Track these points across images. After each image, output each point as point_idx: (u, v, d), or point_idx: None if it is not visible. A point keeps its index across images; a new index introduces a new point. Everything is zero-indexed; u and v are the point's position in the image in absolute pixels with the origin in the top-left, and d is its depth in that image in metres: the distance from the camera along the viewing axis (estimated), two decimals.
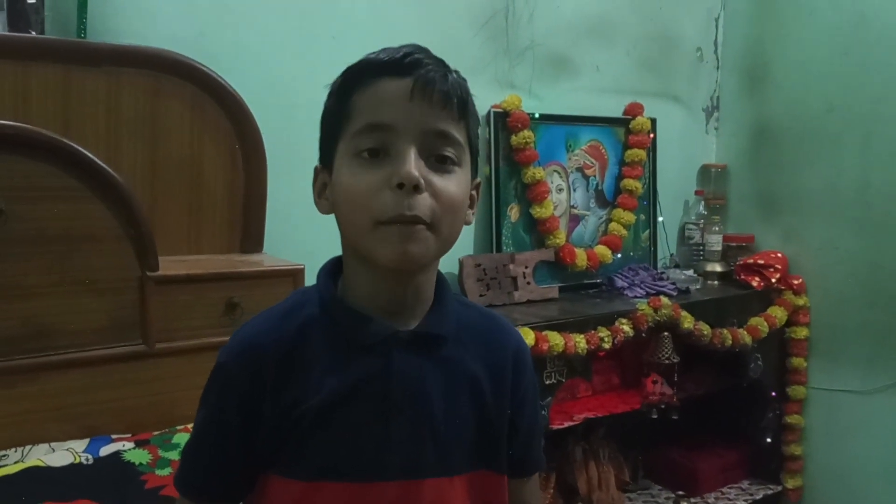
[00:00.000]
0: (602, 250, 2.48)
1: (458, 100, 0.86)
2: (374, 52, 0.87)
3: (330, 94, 0.90)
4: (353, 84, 0.86)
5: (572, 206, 2.49)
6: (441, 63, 0.87)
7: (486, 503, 0.94)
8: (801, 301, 2.59)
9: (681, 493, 2.47)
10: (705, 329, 2.27)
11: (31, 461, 1.36)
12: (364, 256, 0.86)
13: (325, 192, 0.91)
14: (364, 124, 0.84)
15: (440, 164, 0.85)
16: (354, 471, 0.87)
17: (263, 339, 0.89)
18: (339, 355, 0.88)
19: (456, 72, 0.88)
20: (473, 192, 0.93)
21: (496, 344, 0.96)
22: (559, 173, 2.45)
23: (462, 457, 0.91)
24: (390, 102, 0.83)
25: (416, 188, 0.81)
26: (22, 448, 1.40)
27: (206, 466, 0.91)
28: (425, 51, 0.87)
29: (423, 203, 0.82)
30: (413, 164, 0.82)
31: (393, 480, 0.87)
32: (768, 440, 2.65)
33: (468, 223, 0.92)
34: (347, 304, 0.90)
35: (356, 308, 0.89)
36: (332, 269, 0.94)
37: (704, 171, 2.90)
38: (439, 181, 0.84)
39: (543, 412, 1.98)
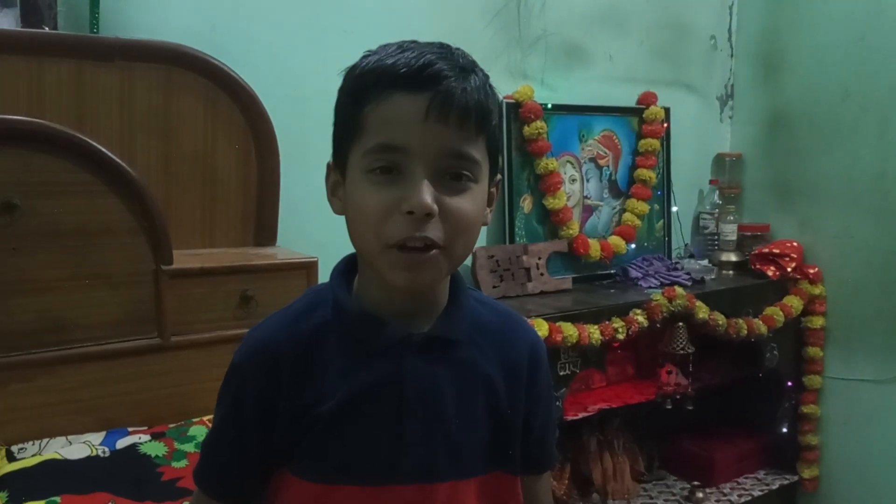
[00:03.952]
0: (616, 241, 2.47)
1: (476, 116, 0.82)
2: (392, 52, 0.83)
3: (343, 90, 0.87)
4: (366, 93, 0.82)
5: (586, 197, 2.48)
6: (462, 69, 0.82)
7: (504, 502, 0.94)
8: (816, 290, 2.57)
9: (696, 483, 2.47)
10: (720, 319, 2.26)
11: (48, 454, 1.37)
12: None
13: (338, 192, 0.89)
14: (376, 144, 0.81)
15: (455, 181, 0.82)
16: (369, 474, 0.87)
17: (277, 338, 0.89)
18: (352, 358, 0.87)
19: (477, 72, 0.84)
20: (493, 190, 0.91)
21: (511, 343, 0.95)
22: (572, 164, 2.44)
23: (476, 459, 0.91)
24: (404, 123, 0.80)
25: (428, 216, 0.80)
26: (39, 441, 1.41)
27: (224, 463, 0.92)
28: (446, 55, 0.83)
29: (435, 227, 0.80)
30: (424, 193, 0.79)
31: (407, 484, 0.87)
32: (784, 430, 2.64)
33: (485, 224, 0.90)
34: (361, 306, 0.89)
35: (370, 311, 0.88)
36: (346, 269, 0.93)
37: (719, 160, 2.87)
38: (452, 202, 0.81)
39: (558, 403, 1.98)
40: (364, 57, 0.86)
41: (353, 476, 0.87)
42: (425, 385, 0.88)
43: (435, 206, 0.80)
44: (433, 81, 0.80)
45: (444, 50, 0.84)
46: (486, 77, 0.86)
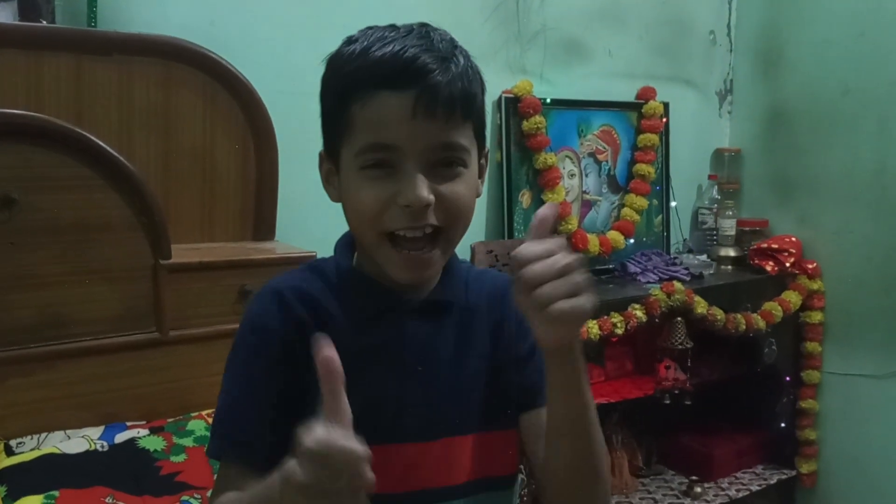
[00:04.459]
0: (614, 236, 2.47)
1: (462, 104, 0.84)
2: (374, 45, 0.83)
3: (328, 84, 0.88)
4: (352, 91, 0.83)
5: (584, 192, 2.48)
6: (443, 59, 0.83)
7: (496, 459, 0.96)
8: (815, 285, 2.57)
9: (694, 478, 2.47)
10: (719, 314, 2.26)
11: (46, 448, 1.38)
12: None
13: (332, 180, 0.91)
14: (367, 143, 0.83)
15: (447, 168, 0.85)
16: (370, 434, 0.86)
17: (290, 291, 0.90)
18: (352, 322, 0.89)
19: (458, 56, 0.85)
20: (483, 161, 0.93)
21: (502, 299, 0.97)
22: (571, 159, 2.44)
23: (474, 417, 0.93)
24: (392, 122, 0.81)
25: (426, 207, 0.82)
26: (38, 435, 1.41)
27: (253, 422, 0.88)
28: (427, 45, 0.83)
29: (433, 215, 0.84)
30: (420, 186, 0.82)
31: (407, 443, 0.89)
32: (783, 425, 2.64)
33: (478, 195, 0.91)
34: (362, 274, 0.92)
35: (371, 277, 0.91)
36: (349, 241, 0.96)
37: (718, 155, 2.88)
38: (446, 189, 0.84)
39: None
40: (346, 44, 0.87)
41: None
42: (424, 347, 0.91)
43: (431, 197, 0.82)
44: (418, 78, 0.81)
45: (424, 40, 0.84)
46: (467, 56, 0.88)
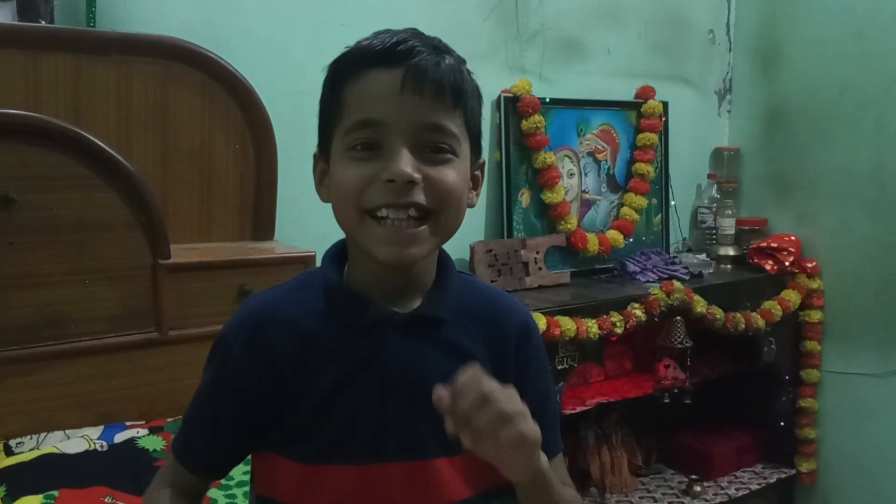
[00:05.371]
0: (614, 235, 2.48)
1: (451, 89, 0.83)
2: (367, 38, 0.85)
3: (325, 80, 0.89)
4: (343, 74, 0.85)
5: (584, 191, 2.48)
6: (435, 48, 0.84)
7: (489, 482, 0.93)
8: (814, 284, 2.58)
9: (694, 477, 2.47)
10: (718, 313, 2.26)
11: (46, 448, 1.38)
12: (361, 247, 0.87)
13: (325, 181, 0.90)
14: (355, 121, 0.83)
15: (436, 153, 0.84)
16: (355, 453, 0.87)
17: (266, 312, 0.89)
18: (338, 339, 0.88)
19: (451, 54, 0.86)
20: (477, 173, 0.92)
21: (500, 326, 0.95)
22: (570, 158, 2.44)
23: None
24: (380, 97, 0.82)
25: (410, 183, 0.81)
26: (37, 435, 1.41)
27: (196, 436, 0.93)
28: (419, 36, 0.85)
29: (420, 194, 0.82)
30: (404, 162, 0.81)
31: (394, 462, 0.87)
32: (782, 424, 2.64)
33: (472, 206, 0.91)
34: (349, 287, 0.90)
35: (357, 291, 0.89)
36: (338, 253, 0.94)
37: (717, 154, 2.88)
38: (435, 171, 0.83)
39: (556, 397, 1.98)
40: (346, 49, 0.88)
41: (340, 456, 0.87)
42: (409, 364, 0.88)
43: (416, 175, 0.81)
44: (407, 56, 0.82)
45: (417, 32, 0.86)
46: (462, 61, 0.88)
